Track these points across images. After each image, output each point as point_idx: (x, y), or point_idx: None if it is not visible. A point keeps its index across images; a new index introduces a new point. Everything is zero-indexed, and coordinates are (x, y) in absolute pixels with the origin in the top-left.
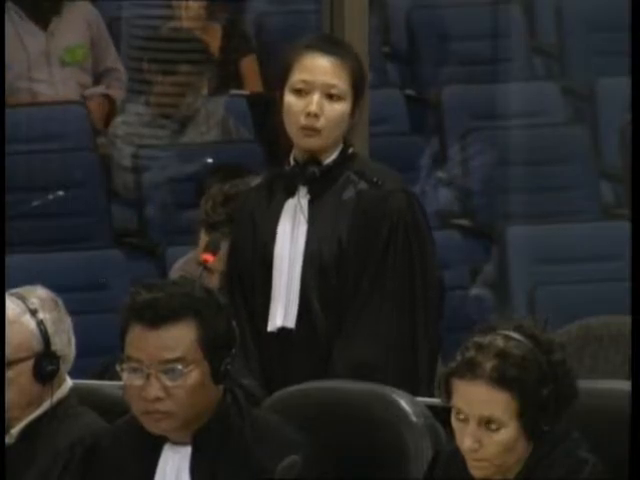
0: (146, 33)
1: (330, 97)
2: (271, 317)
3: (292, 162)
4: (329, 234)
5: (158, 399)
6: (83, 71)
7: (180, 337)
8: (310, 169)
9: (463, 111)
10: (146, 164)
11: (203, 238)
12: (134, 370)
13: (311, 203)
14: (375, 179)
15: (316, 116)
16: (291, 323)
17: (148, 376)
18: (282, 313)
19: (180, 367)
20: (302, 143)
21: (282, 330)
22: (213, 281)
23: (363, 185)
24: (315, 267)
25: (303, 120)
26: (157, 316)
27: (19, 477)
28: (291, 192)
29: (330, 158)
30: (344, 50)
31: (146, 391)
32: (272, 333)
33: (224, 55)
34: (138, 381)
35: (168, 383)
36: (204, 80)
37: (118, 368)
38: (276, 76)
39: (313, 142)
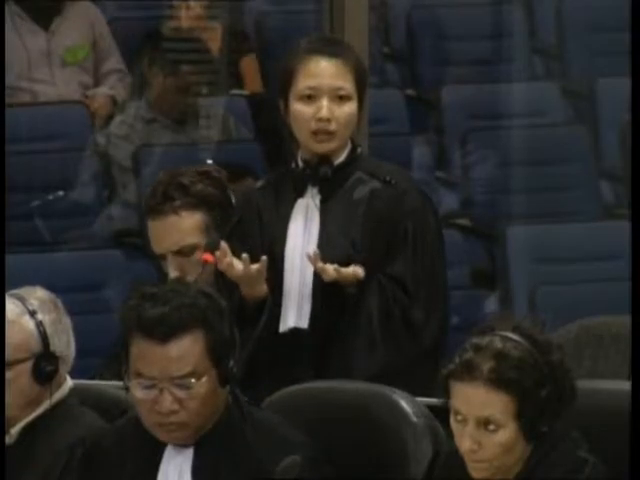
0: (146, 33)
1: (339, 99)
2: (283, 317)
3: (300, 163)
4: (342, 234)
5: (172, 412)
6: (84, 71)
7: (190, 350)
8: (322, 169)
9: (463, 111)
10: (146, 164)
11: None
12: (145, 386)
13: (322, 203)
14: (388, 178)
15: (328, 120)
16: (304, 324)
17: (161, 390)
18: (294, 314)
19: (193, 380)
20: (315, 148)
21: (292, 330)
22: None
23: (376, 184)
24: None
25: (314, 125)
26: (166, 332)
27: (19, 477)
28: (300, 192)
29: (340, 158)
30: (344, 50)
31: (159, 405)
32: (281, 333)
33: (224, 55)
34: (150, 395)
35: (181, 395)
36: (204, 80)
37: (127, 383)
38: (277, 81)
39: (327, 146)
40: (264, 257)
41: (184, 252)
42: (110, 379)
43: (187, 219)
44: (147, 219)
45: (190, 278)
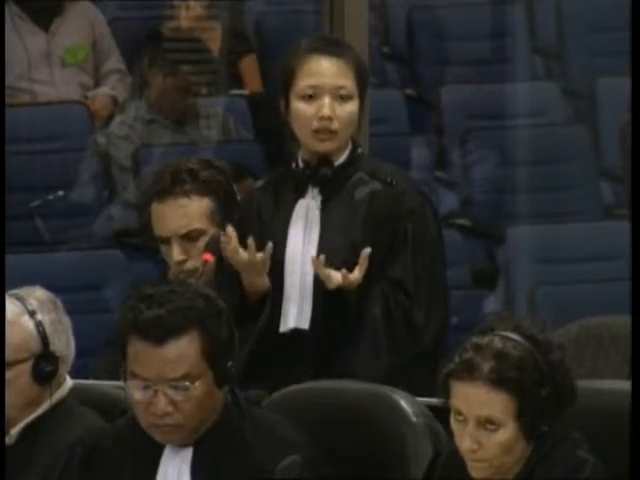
0: (146, 33)
1: (340, 98)
2: (283, 318)
3: (301, 163)
4: (342, 234)
5: (167, 413)
6: (84, 72)
7: (185, 352)
8: (323, 170)
9: (463, 111)
10: (146, 164)
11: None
12: (141, 387)
13: (323, 204)
14: (388, 179)
15: (330, 119)
16: (304, 324)
17: (155, 392)
18: (295, 314)
19: (187, 383)
20: (317, 147)
21: (292, 331)
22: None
23: (376, 185)
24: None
25: (316, 124)
26: (162, 334)
27: (19, 477)
28: (301, 193)
29: (341, 158)
30: (345, 50)
31: (154, 406)
32: (281, 334)
33: (224, 55)
34: (145, 396)
35: (176, 398)
36: (204, 80)
37: (123, 383)
38: (278, 80)
39: (328, 145)
40: (269, 244)
41: (191, 236)
42: (103, 375)
43: (196, 203)
44: (153, 202)
45: (193, 263)
